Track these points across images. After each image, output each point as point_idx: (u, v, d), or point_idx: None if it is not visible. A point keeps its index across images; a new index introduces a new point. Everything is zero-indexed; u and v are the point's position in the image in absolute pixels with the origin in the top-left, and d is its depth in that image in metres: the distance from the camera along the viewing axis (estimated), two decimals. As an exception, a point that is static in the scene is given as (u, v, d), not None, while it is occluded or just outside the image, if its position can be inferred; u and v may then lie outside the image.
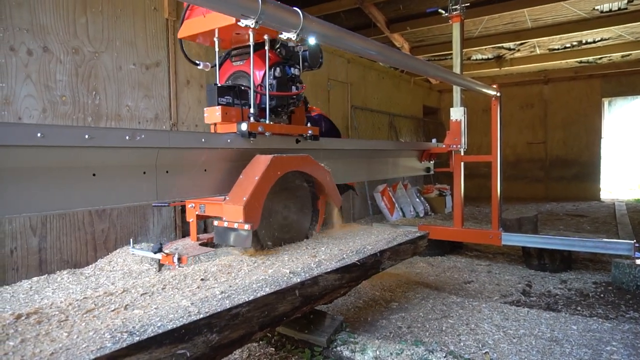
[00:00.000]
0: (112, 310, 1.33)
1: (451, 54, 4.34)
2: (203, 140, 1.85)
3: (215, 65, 2.31)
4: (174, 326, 1.20)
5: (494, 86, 4.02)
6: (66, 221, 3.50)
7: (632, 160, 10.94)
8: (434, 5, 4.63)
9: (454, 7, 4.16)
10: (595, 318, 2.71)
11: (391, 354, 1.90)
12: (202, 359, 1.26)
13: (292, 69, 2.27)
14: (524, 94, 10.33)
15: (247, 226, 1.84)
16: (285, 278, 1.68)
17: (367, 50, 2.32)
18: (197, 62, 2.42)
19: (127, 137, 1.55)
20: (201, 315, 1.28)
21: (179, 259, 2.14)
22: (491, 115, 4.12)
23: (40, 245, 3.33)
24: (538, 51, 8.46)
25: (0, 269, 3.13)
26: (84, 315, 1.30)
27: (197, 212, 2.34)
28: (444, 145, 4.06)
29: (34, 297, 2.93)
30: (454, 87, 4.13)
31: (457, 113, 4.09)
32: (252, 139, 2.00)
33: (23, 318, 1.28)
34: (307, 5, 5.98)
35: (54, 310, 1.34)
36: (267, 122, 2.14)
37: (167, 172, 1.74)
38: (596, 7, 6.45)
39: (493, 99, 4.08)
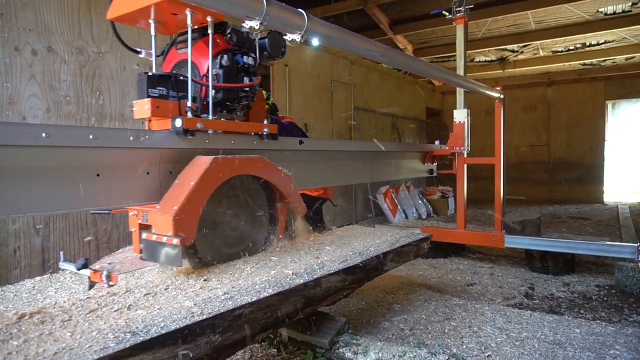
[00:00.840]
0: (115, 311, 1.33)
1: (454, 55, 4.33)
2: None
3: (152, 52, 2.02)
4: (177, 327, 1.20)
5: (498, 88, 4.01)
6: (69, 221, 3.50)
7: (635, 163, 10.90)
8: (438, 7, 4.63)
9: (457, 8, 4.15)
10: (598, 321, 2.70)
11: (394, 356, 1.90)
12: (204, 360, 1.26)
13: (245, 57, 1.97)
14: (527, 96, 10.31)
15: (175, 240, 1.52)
16: (288, 279, 1.68)
17: (371, 52, 2.32)
18: (139, 49, 2.13)
19: (132, 138, 1.56)
20: (204, 316, 1.28)
21: (109, 277, 1.78)
22: (494, 117, 4.11)
23: (44, 244, 3.34)
24: (541, 53, 8.45)
25: (3, 268, 3.14)
26: (87, 315, 1.30)
27: (139, 221, 1.91)
28: (447, 147, 4.05)
29: (37, 297, 2.93)
30: (457, 89, 4.13)
31: (460, 115, 4.08)
32: (189, 136, 1.74)
33: (26, 317, 1.28)
34: (310, 6, 5.99)
35: (57, 310, 1.34)
36: (210, 117, 1.86)
37: (170, 172, 1.74)
38: (600, 10, 6.43)
39: (496, 100, 4.08)
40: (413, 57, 2.98)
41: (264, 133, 2.08)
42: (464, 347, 2.26)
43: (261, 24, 1.65)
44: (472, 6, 4.20)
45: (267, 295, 1.50)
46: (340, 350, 1.98)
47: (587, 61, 8.65)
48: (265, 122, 2.08)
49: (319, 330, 2.06)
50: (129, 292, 1.50)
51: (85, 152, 1.46)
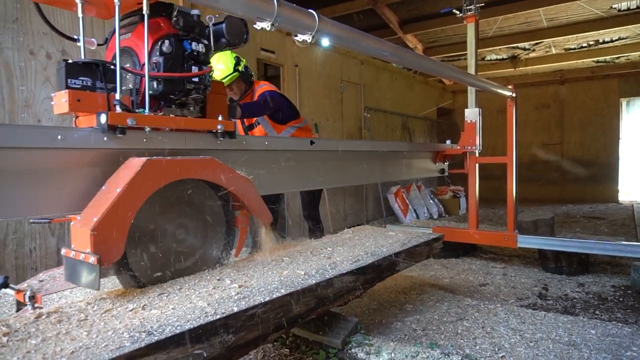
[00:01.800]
0: (130, 310, 1.34)
1: (465, 54, 4.30)
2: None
3: (80, 38, 1.76)
4: (191, 326, 1.21)
5: (509, 87, 3.98)
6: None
7: (651, 162, 10.71)
8: (448, 6, 4.60)
9: (468, 7, 4.12)
10: (614, 322, 2.66)
11: (406, 356, 1.89)
12: (218, 359, 1.27)
13: (193, 44, 1.75)
14: (539, 95, 10.20)
15: (92, 259, 1.30)
16: (301, 279, 1.68)
17: (381, 52, 2.32)
18: (76, 36, 1.85)
19: (145, 140, 1.58)
20: (217, 316, 1.29)
21: (32, 298, 1.51)
22: (506, 116, 4.07)
23: (59, 245, 3.39)
24: (554, 51, 8.35)
25: (19, 269, 3.19)
26: (103, 315, 1.31)
27: None
28: (458, 147, 4.02)
29: (53, 297, 2.97)
30: (469, 87, 4.10)
31: (471, 114, 4.05)
32: (119, 134, 1.49)
33: (44, 317, 1.30)
34: (320, 6, 5.99)
35: (73, 310, 1.36)
36: (147, 112, 1.59)
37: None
38: (614, 6, 6.34)
39: (508, 99, 4.04)
40: (424, 56, 2.97)
41: (218, 131, 1.81)
42: (477, 347, 2.25)
43: (272, 25, 1.65)
44: (482, 4, 4.17)
45: (279, 295, 1.50)
46: (353, 350, 1.97)
47: (600, 58, 8.53)
48: (220, 118, 1.82)
49: (331, 331, 2.06)
50: (143, 292, 1.52)
51: (99, 154, 1.48)
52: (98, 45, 1.84)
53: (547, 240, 3.76)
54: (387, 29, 7.22)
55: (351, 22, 5.78)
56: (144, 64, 1.63)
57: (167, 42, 1.67)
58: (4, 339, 1.13)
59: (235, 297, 1.45)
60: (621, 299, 3.16)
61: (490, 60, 9.14)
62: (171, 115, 1.70)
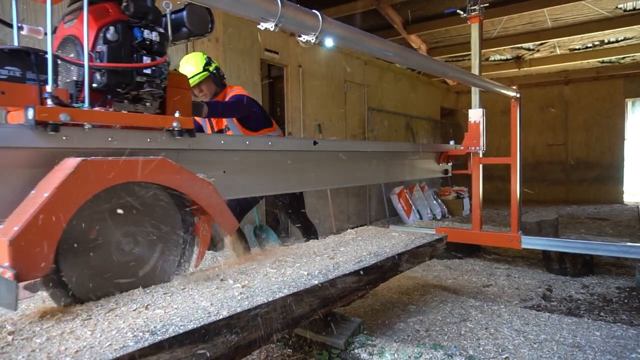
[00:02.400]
0: (134, 310, 1.35)
1: (469, 55, 4.29)
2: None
3: (14, 24, 1.59)
4: (195, 326, 1.21)
5: (514, 87, 3.96)
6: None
7: (656, 163, 10.65)
8: (452, 6, 4.59)
9: (472, 7, 4.11)
10: (619, 324, 2.64)
11: (409, 357, 1.89)
12: (221, 360, 1.27)
13: (145, 32, 1.58)
14: (544, 95, 10.16)
15: (9, 274, 1.14)
16: (304, 280, 1.68)
17: (385, 52, 2.32)
18: (20, 24, 1.67)
19: (149, 140, 1.58)
20: (221, 316, 1.29)
21: None
22: (510, 116, 4.06)
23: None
24: (558, 51, 8.32)
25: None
26: (107, 314, 1.32)
27: None
28: (462, 147, 4.01)
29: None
30: (473, 88, 4.09)
31: (475, 114, 4.04)
32: (51, 131, 1.30)
33: (48, 316, 1.30)
34: (323, 6, 6.00)
35: (77, 309, 1.36)
36: (86, 107, 1.41)
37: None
38: (619, 6, 6.31)
39: (512, 100, 4.03)
40: (427, 57, 2.96)
41: (174, 128, 1.61)
42: (481, 349, 2.24)
43: (276, 25, 1.65)
44: (487, 4, 4.16)
45: (282, 295, 1.50)
46: (356, 351, 1.97)
47: (605, 59, 8.49)
48: (176, 114, 1.63)
49: (334, 331, 2.06)
50: (146, 291, 1.52)
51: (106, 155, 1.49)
52: (45, 34, 1.56)
53: (551, 241, 3.75)
54: (391, 29, 7.21)
55: (355, 23, 5.79)
56: (88, 54, 1.46)
57: (112, 29, 1.51)
58: (9, 338, 1.14)
59: (239, 297, 1.45)
60: (626, 301, 3.14)
61: (495, 60, 9.12)
62: (123, 112, 1.53)
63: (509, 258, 4.49)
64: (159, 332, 1.16)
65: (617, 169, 9.51)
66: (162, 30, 1.64)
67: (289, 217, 3.60)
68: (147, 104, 1.65)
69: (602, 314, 2.90)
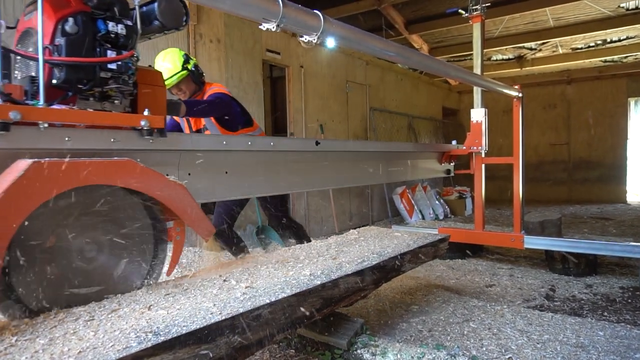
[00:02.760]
0: (137, 311, 1.35)
1: (471, 54, 4.29)
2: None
3: None
4: (197, 327, 1.21)
5: (516, 87, 3.96)
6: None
7: (660, 162, 10.61)
8: (453, 6, 4.59)
9: (474, 7, 4.11)
10: (622, 324, 2.63)
11: (412, 357, 1.88)
12: (224, 360, 1.27)
13: (110, 24, 1.47)
14: (546, 95, 10.14)
15: None
16: (306, 280, 1.68)
17: (387, 52, 2.31)
18: None
19: (151, 141, 1.58)
20: (223, 317, 1.29)
21: None
22: (512, 116, 4.05)
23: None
24: (560, 51, 8.30)
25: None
26: (109, 315, 1.32)
27: None
28: (464, 147, 4.01)
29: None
30: (475, 88, 4.08)
31: (477, 114, 4.03)
32: (1, 132, 1.21)
33: (51, 317, 1.31)
34: (325, 7, 6.00)
35: (80, 310, 1.36)
36: (42, 104, 1.32)
37: (189, 174, 1.75)
38: (621, 5, 6.29)
39: (515, 99, 4.02)
40: (429, 57, 2.96)
41: (143, 127, 1.48)
42: (484, 349, 2.23)
43: (278, 26, 1.65)
44: (488, 4, 4.15)
45: (285, 296, 1.50)
46: (358, 351, 1.97)
47: (608, 58, 8.46)
48: (146, 112, 1.50)
49: (337, 331, 2.06)
50: (149, 292, 1.52)
51: (108, 155, 1.49)
52: (8, 28, 1.49)
53: (554, 241, 3.74)
54: (392, 29, 7.21)
55: (356, 23, 5.79)
56: (45, 47, 1.38)
57: (72, 20, 1.41)
58: (13, 339, 1.14)
59: (241, 298, 1.45)
60: (630, 300, 3.13)
61: (497, 60, 9.10)
62: (89, 110, 1.42)
63: (512, 258, 4.48)
64: (161, 333, 1.16)
65: (620, 169, 9.48)
66: (129, 22, 1.54)
67: (277, 219, 3.45)
68: (116, 101, 1.55)
69: (605, 313, 2.89)
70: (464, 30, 7.30)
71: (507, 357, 2.13)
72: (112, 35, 1.48)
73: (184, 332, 1.18)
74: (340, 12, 6.28)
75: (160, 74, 1.77)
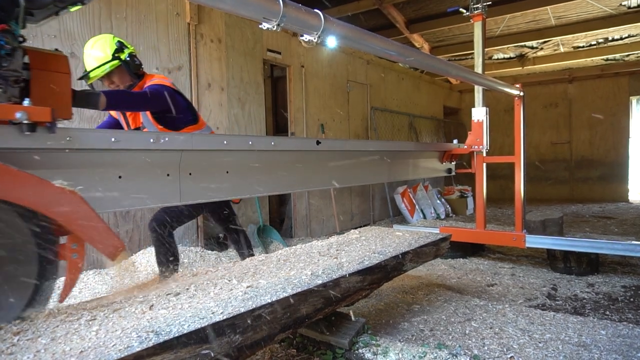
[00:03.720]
0: (138, 310, 1.35)
1: (472, 53, 4.28)
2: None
3: None
4: (199, 326, 1.21)
5: (517, 85, 3.95)
6: (92, 222, 3.57)
7: (662, 160, 10.58)
8: (454, 5, 4.58)
9: (475, 5, 4.10)
10: (625, 323, 2.63)
11: (414, 357, 1.88)
12: (225, 360, 1.27)
13: None
14: (547, 93, 10.12)
15: None
16: (308, 280, 1.68)
17: (388, 51, 2.31)
18: None
19: (152, 140, 1.58)
20: (225, 316, 1.29)
21: None
22: (514, 115, 4.05)
23: (68, 246, 3.42)
24: (562, 49, 8.28)
25: (29, 269, 3.22)
26: (111, 315, 1.32)
27: None
28: (465, 146, 4.00)
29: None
30: (476, 87, 4.08)
31: (478, 113, 4.03)
32: None
33: (53, 316, 1.31)
34: (326, 6, 6.00)
35: (82, 310, 1.37)
36: None
37: (190, 174, 1.76)
38: (623, 3, 6.27)
39: (516, 98, 4.01)
40: (430, 56, 2.95)
41: (22, 121, 1.17)
42: (486, 348, 2.23)
43: (278, 25, 1.65)
44: (489, 3, 4.14)
45: (286, 295, 1.51)
46: (360, 350, 1.97)
47: (609, 56, 8.43)
48: (25, 102, 1.21)
49: (339, 331, 2.06)
50: (151, 292, 1.52)
51: (107, 155, 1.49)
52: None
53: (555, 240, 3.73)
54: (394, 28, 7.20)
55: (357, 22, 5.78)
56: None
57: None
58: (15, 339, 1.15)
59: (243, 297, 1.45)
60: (632, 300, 3.12)
61: (498, 59, 9.08)
62: None
63: (514, 257, 4.48)
64: (163, 333, 1.17)
65: (622, 167, 9.46)
66: None
67: (221, 223, 3.04)
68: (5, 89, 1.27)
69: (607, 312, 2.89)
70: (465, 29, 7.29)
71: (508, 356, 2.13)
72: None
73: (185, 331, 1.18)
74: (340, 11, 6.27)
75: (63, 58, 1.48)
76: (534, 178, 9.90)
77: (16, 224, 1.18)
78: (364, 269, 1.91)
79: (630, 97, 9.48)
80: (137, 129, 2.69)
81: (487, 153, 4.06)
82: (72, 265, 1.26)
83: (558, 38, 7.55)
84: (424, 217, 7.32)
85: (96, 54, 2.51)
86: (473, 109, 4.08)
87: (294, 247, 2.42)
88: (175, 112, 2.53)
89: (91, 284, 3.23)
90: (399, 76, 8.21)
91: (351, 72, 6.81)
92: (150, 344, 1.10)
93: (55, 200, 1.18)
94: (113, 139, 1.47)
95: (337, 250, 2.21)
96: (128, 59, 2.56)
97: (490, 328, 2.49)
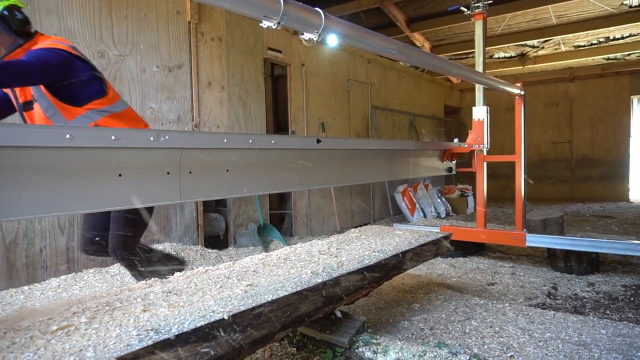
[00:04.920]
0: (138, 309, 1.35)
1: (472, 52, 4.28)
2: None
3: None
4: (199, 325, 1.21)
5: (518, 84, 3.94)
6: (92, 221, 3.57)
7: (662, 160, 10.57)
8: (455, 4, 4.57)
9: (476, 4, 4.09)
10: (625, 322, 2.62)
11: (414, 355, 1.88)
12: (225, 358, 1.27)
13: None
14: (548, 93, 10.11)
15: None
16: (308, 278, 1.68)
17: (389, 50, 2.30)
18: None
19: (152, 138, 1.58)
20: (225, 315, 1.29)
21: None
22: (514, 114, 4.04)
23: (68, 244, 3.42)
24: (563, 48, 8.27)
25: (30, 267, 3.23)
26: (112, 313, 1.32)
27: None
28: (466, 145, 4.00)
29: (63, 295, 3.01)
30: (477, 86, 4.07)
31: (479, 112, 4.02)
32: None
33: (53, 314, 1.31)
34: (327, 5, 5.99)
35: (82, 307, 1.37)
36: None
37: (190, 172, 1.75)
38: (624, 2, 6.26)
39: (516, 97, 4.01)
40: (431, 54, 2.94)
41: None
42: (486, 347, 2.23)
43: (278, 23, 1.65)
44: (490, 2, 4.14)
45: (286, 294, 1.50)
46: (360, 349, 1.97)
47: (610, 55, 8.42)
48: None
49: (338, 330, 2.06)
50: (151, 291, 1.53)
51: (107, 153, 1.48)
52: None
53: (556, 239, 3.73)
54: (394, 27, 7.19)
55: (358, 21, 5.77)
56: None
57: None
58: (15, 337, 1.15)
59: (243, 296, 1.45)
60: (632, 299, 3.12)
61: (499, 58, 9.07)
62: None
63: (514, 256, 4.47)
64: (162, 331, 1.17)
65: (622, 167, 9.45)
66: None
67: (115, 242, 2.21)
68: None
69: (607, 312, 2.89)
70: (466, 28, 7.28)
71: (508, 355, 2.13)
72: None
73: (184, 330, 1.18)
74: (341, 10, 6.26)
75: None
76: (534, 177, 9.89)
77: None
78: (364, 267, 1.91)
79: (631, 97, 9.47)
80: (27, 103, 2.08)
81: (487, 152, 4.06)
82: None
83: (559, 37, 7.54)
84: (425, 216, 7.31)
85: None
86: (474, 108, 4.08)
87: (294, 245, 2.42)
88: (75, 82, 2.01)
89: (91, 283, 3.24)
90: (400, 75, 8.20)
91: (352, 70, 6.80)
92: (150, 342, 1.10)
93: None
94: (113, 137, 1.47)
95: (338, 249, 2.20)
96: (5, 13, 1.97)
97: (490, 327, 2.49)
